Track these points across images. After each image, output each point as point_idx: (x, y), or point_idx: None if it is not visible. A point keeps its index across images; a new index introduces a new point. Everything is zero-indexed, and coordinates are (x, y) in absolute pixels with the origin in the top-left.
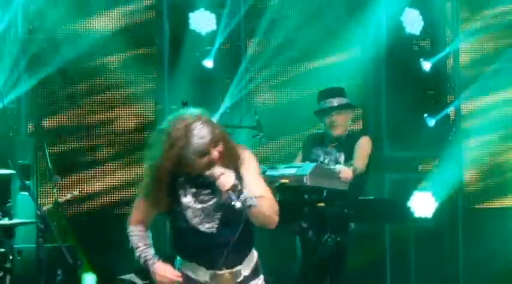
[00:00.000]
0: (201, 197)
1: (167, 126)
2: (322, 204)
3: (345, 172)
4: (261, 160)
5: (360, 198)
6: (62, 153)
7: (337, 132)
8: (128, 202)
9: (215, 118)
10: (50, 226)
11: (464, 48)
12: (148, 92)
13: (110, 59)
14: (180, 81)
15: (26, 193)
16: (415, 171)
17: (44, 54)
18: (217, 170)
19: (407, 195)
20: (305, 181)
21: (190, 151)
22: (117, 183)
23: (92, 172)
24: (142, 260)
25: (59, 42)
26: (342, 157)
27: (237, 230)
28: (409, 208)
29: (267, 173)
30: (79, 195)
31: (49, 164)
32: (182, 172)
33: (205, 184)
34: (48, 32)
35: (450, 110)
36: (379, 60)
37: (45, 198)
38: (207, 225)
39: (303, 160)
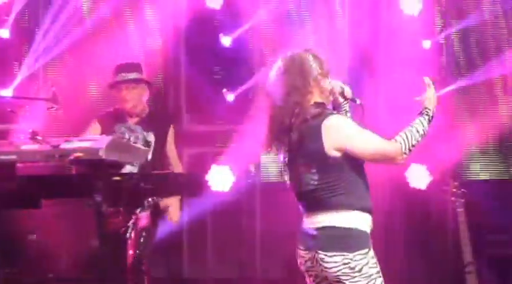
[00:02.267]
0: None
1: None
2: (117, 178)
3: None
4: (59, 134)
5: (155, 171)
6: None
7: (130, 106)
8: None
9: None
10: None
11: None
12: None
13: None
14: None
15: None
16: (214, 145)
17: None
18: None
19: (205, 169)
20: (100, 154)
21: None
22: None
23: None
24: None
25: None
26: (152, 137)
27: None
28: (206, 182)
29: (62, 146)
30: None
31: None
32: None
33: None
34: None
35: (250, 86)
36: (179, 35)
37: None
38: None
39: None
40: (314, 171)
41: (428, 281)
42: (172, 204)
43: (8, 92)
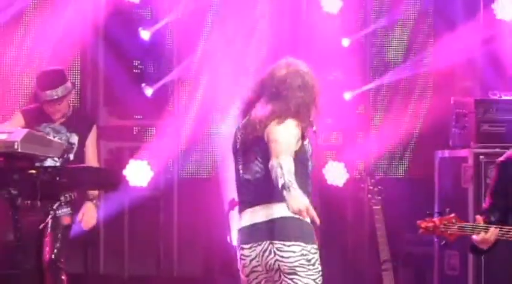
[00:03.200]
0: None
1: None
2: (33, 171)
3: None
4: None
5: (71, 165)
6: None
7: (58, 117)
8: None
9: None
10: None
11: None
12: None
13: None
14: None
15: None
16: (132, 139)
17: None
18: None
19: (123, 164)
20: (16, 147)
21: None
22: None
23: None
24: None
25: None
26: (75, 138)
27: None
28: (123, 177)
29: None
30: None
31: None
32: None
33: None
34: None
35: (168, 80)
36: (98, 28)
37: None
38: None
39: None
40: (260, 159)
41: (344, 279)
42: (87, 210)
43: None
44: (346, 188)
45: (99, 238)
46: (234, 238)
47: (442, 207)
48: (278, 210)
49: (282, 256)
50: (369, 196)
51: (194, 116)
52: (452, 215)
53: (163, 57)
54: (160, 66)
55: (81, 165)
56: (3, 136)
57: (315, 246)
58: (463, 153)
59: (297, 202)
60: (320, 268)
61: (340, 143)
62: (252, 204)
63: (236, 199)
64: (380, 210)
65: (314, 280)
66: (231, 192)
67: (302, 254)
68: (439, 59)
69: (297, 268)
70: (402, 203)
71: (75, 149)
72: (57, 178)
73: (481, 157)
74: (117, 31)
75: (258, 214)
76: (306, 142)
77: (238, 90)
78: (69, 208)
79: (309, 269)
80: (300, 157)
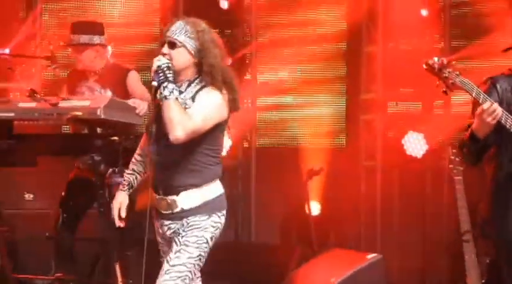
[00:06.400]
0: None
1: None
2: (115, 138)
3: (140, 105)
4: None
5: None
6: None
7: (80, 67)
8: None
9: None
10: None
11: None
12: None
13: None
14: None
15: None
16: None
17: None
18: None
19: None
20: (99, 113)
21: None
22: None
23: None
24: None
25: None
26: (109, 94)
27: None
28: None
29: (60, 104)
30: None
31: None
32: None
33: None
34: None
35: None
36: None
37: None
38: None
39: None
40: None
41: (423, 249)
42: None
43: (5, 50)
44: (424, 159)
45: None
46: (312, 207)
47: None
48: None
49: None
50: (450, 166)
51: (270, 86)
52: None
53: (242, 27)
54: (238, 36)
55: None
56: (85, 103)
57: None
58: None
59: None
60: None
61: (420, 113)
62: None
63: (315, 168)
64: (461, 181)
65: None
66: (308, 161)
67: None
68: None
69: None
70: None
71: None
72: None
73: None
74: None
75: None
76: None
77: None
78: None
79: None
80: None
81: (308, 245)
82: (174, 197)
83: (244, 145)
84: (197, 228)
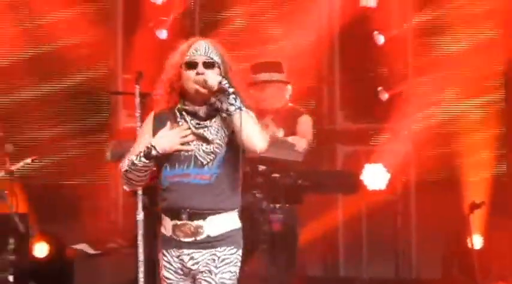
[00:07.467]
0: None
1: None
2: (276, 175)
3: (300, 142)
4: None
5: (312, 169)
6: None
7: (265, 105)
8: (81, 173)
9: None
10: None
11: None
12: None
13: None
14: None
15: None
16: (368, 143)
17: None
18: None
19: (359, 167)
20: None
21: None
22: (71, 153)
23: (46, 140)
24: (142, 155)
25: None
26: (281, 133)
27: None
28: (361, 180)
29: None
30: (32, 163)
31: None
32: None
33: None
34: None
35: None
36: (332, 34)
37: None
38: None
39: None
40: None
41: None
42: None
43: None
44: None
45: (338, 242)
46: (475, 241)
47: None
48: None
49: None
50: None
51: (425, 118)
52: None
53: (399, 61)
54: (395, 70)
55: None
56: None
57: None
58: None
59: None
60: None
61: None
62: None
63: (476, 201)
64: None
65: None
66: (470, 193)
67: None
68: None
69: None
70: None
71: None
72: (300, 181)
73: None
74: (353, 35)
75: None
76: None
77: None
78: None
79: None
80: None
81: (471, 279)
82: (200, 222)
83: (403, 178)
84: (228, 263)
